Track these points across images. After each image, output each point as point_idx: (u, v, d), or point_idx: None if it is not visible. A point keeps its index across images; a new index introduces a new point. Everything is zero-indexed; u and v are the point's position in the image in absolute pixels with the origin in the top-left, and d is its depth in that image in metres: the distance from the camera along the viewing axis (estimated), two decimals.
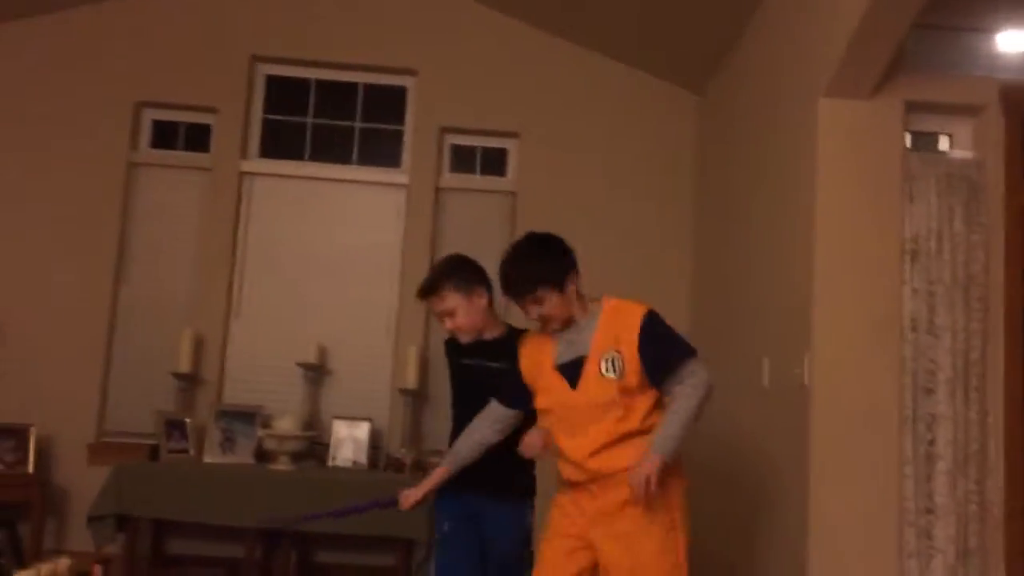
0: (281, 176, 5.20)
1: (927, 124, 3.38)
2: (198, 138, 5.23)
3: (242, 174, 5.15)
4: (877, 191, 3.15)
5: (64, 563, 2.34)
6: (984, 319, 3.17)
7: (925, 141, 3.37)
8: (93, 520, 4.30)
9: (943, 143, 3.40)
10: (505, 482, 2.77)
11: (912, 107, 3.25)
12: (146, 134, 5.22)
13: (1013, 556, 3.09)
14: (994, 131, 3.28)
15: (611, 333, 2.53)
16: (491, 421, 2.70)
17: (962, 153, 3.32)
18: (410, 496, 2.72)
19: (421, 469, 4.63)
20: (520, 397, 2.67)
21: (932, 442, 3.11)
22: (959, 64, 3.37)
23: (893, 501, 3.04)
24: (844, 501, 3.03)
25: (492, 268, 2.82)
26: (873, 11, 2.81)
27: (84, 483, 4.69)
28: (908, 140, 3.29)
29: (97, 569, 2.59)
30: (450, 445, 2.81)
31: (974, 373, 3.14)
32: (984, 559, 3.09)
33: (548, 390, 2.59)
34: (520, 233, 5.11)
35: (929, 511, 3.08)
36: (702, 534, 4.38)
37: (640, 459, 2.41)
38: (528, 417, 2.68)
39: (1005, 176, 3.25)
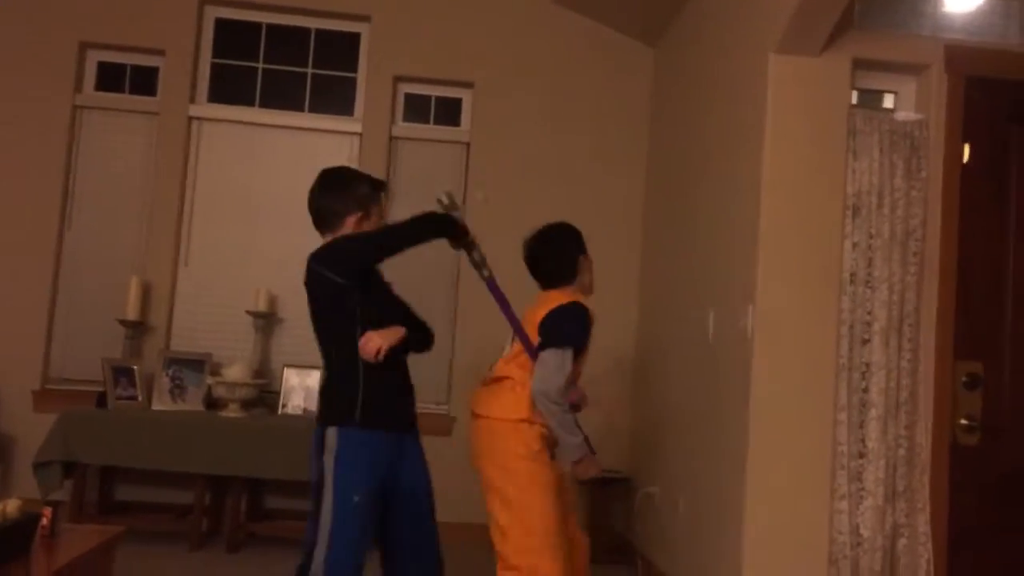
0: (230, 122, 5.12)
1: (873, 82, 3.45)
2: (145, 81, 5.11)
3: (190, 119, 5.06)
4: (823, 147, 3.22)
5: (14, 503, 2.34)
6: (919, 272, 3.28)
7: (870, 98, 3.45)
8: (39, 466, 4.29)
9: (888, 101, 3.48)
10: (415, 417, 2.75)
11: (859, 64, 3.31)
12: (91, 76, 5.08)
13: (937, 497, 3.25)
14: (937, 90, 3.36)
15: None
16: None
17: (905, 111, 3.40)
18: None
19: None
20: None
21: (866, 390, 3.24)
22: (906, 23, 3.43)
23: (827, 446, 3.16)
24: (781, 447, 3.15)
25: None
26: None
27: (30, 430, 4.66)
28: (854, 97, 3.36)
29: (47, 511, 2.59)
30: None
31: (907, 324, 3.26)
32: (911, 501, 3.25)
33: None
34: (472, 183, 5.17)
35: (861, 455, 3.22)
36: (651, 477, 4.54)
37: None
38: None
39: (945, 134, 3.34)
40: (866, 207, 3.26)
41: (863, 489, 3.21)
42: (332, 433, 2.50)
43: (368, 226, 2.64)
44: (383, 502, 2.56)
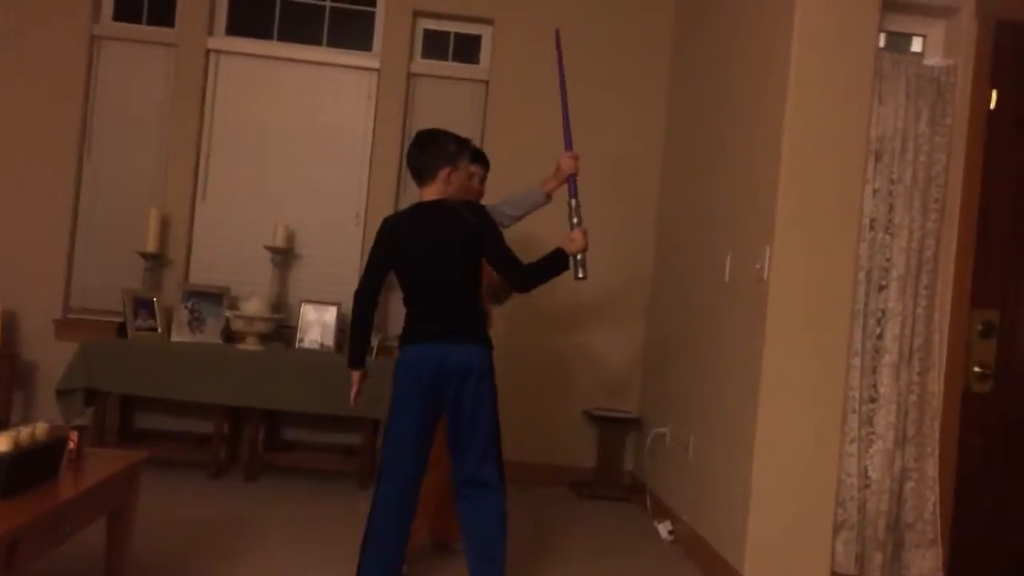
0: (248, 55, 5.08)
1: (902, 24, 3.40)
2: (162, 12, 5.06)
3: (208, 51, 5.02)
4: (848, 90, 3.19)
5: (43, 426, 2.39)
6: (940, 219, 3.28)
7: (899, 42, 3.40)
8: (62, 394, 4.37)
9: (916, 44, 3.42)
10: None
11: (888, 6, 3.26)
12: (108, 6, 5.04)
13: (947, 443, 3.29)
14: (966, 35, 3.31)
15: None
16: None
17: (933, 55, 3.35)
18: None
19: (386, 353, 4.75)
20: None
21: (881, 336, 3.26)
22: None
23: (839, 390, 3.19)
24: (793, 390, 3.18)
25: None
26: None
27: (51, 358, 4.76)
28: (882, 40, 3.31)
29: (73, 435, 2.65)
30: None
31: (925, 271, 3.26)
32: (921, 446, 3.29)
33: None
34: (491, 122, 5.13)
35: (872, 400, 3.26)
36: (662, 417, 4.59)
37: None
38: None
39: (973, 79, 3.30)
40: (889, 152, 3.24)
41: (873, 433, 3.25)
42: (489, 356, 2.84)
43: (456, 178, 2.86)
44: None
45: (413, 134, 3.00)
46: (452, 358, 2.75)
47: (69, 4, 4.90)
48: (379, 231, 2.88)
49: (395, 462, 2.77)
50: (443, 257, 2.77)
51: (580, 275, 2.86)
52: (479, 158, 3.47)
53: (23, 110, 4.87)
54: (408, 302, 2.86)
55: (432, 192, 2.84)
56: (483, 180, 3.51)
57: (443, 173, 2.82)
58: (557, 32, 3.36)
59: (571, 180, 3.03)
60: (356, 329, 2.94)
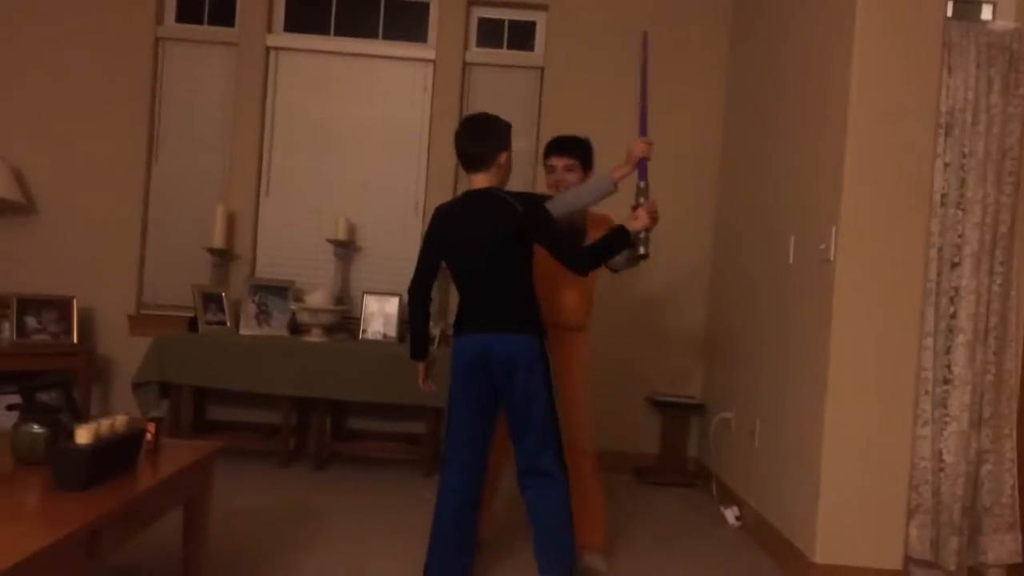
0: (307, 51, 5.15)
1: None
2: (223, 12, 5.16)
3: (268, 49, 5.10)
4: (915, 61, 3.09)
5: (122, 419, 2.47)
6: (1015, 193, 3.16)
7: (967, 10, 3.28)
8: (138, 387, 4.51)
9: (986, 12, 3.30)
10: None
11: None
12: (171, 8, 5.16)
13: None
14: None
15: None
16: None
17: (1004, 22, 3.22)
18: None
19: (447, 342, 4.78)
20: None
21: (954, 315, 3.16)
22: None
23: (911, 372, 3.11)
24: (862, 373, 3.11)
25: (520, 141, 2.90)
26: None
27: (126, 353, 4.92)
28: (949, 9, 3.19)
29: (151, 426, 2.73)
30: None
31: (1000, 247, 3.15)
32: (997, 427, 3.19)
33: None
34: (547, 108, 5.10)
35: (946, 381, 3.16)
36: (726, 402, 4.53)
37: None
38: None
39: None
40: (959, 125, 3.14)
41: (947, 415, 3.16)
42: (539, 345, 2.78)
43: (509, 161, 2.88)
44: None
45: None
46: (496, 349, 2.74)
47: (134, 7, 5.03)
48: (430, 221, 2.89)
49: (454, 450, 2.79)
50: (488, 246, 2.75)
51: (641, 251, 2.82)
52: (567, 148, 3.27)
53: (94, 113, 5.03)
54: (459, 291, 2.87)
55: (483, 180, 2.81)
56: (570, 169, 3.25)
57: (502, 158, 2.82)
58: (645, 34, 3.20)
59: (642, 163, 2.95)
60: (414, 322, 2.96)
